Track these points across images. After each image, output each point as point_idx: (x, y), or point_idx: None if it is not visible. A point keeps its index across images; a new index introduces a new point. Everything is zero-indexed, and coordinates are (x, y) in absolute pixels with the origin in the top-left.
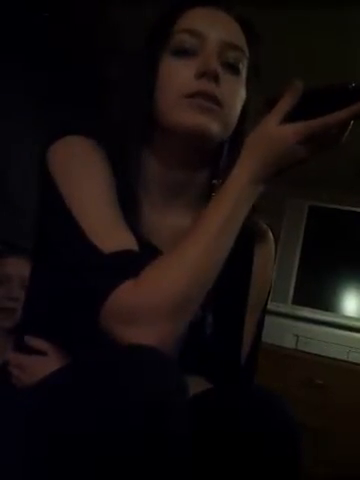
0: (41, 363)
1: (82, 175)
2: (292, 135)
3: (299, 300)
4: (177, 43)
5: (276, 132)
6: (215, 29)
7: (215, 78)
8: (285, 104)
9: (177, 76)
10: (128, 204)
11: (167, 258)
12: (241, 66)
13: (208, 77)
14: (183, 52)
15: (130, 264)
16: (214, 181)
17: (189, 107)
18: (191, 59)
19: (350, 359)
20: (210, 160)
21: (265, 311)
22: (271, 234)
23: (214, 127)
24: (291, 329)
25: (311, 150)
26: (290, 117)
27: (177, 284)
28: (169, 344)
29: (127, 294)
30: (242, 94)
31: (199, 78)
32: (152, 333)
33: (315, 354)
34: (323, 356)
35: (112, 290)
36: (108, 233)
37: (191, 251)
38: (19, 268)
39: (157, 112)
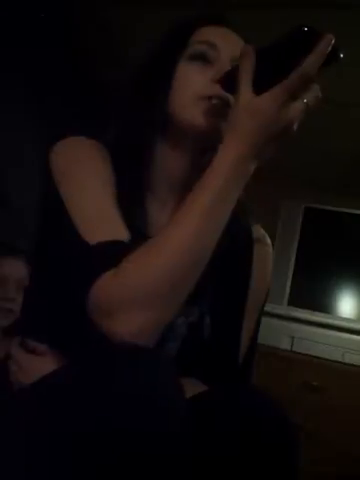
0: (39, 363)
1: (81, 173)
2: (272, 103)
3: (295, 301)
4: (194, 50)
5: (253, 105)
6: (228, 44)
7: (219, 77)
8: (246, 71)
9: (193, 79)
10: (132, 202)
11: (148, 245)
12: None
13: None
14: (200, 58)
15: (112, 254)
16: None
17: (205, 109)
18: (206, 66)
19: (346, 360)
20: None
21: (262, 314)
22: (269, 238)
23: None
24: (287, 330)
25: (297, 109)
26: (258, 83)
27: (157, 272)
28: (148, 335)
29: (105, 285)
30: None
31: (215, 83)
32: (132, 324)
33: (311, 355)
34: (319, 357)
35: (94, 281)
36: (99, 227)
37: (173, 237)
38: (16, 269)
39: (172, 112)
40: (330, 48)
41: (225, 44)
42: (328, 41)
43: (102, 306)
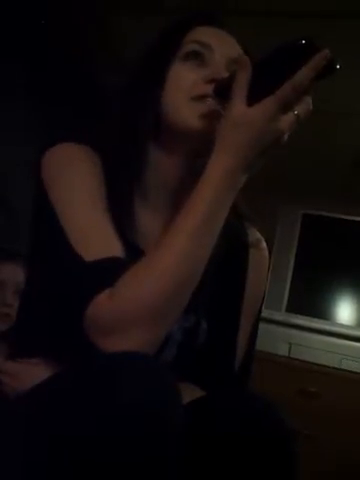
0: (33, 371)
1: (71, 182)
2: (262, 115)
3: (293, 308)
4: (188, 50)
5: (245, 117)
6: (223, 45)
7: (215, 82)
8: (241, 83)
9: (186, 79)
10: (123, 208)
11: (142, 265)
12: None
13: None
14: (193, 58)
15: (108, 273)
16: None
17: (198, 110)
18: (200, 66)
19: (343, 367)
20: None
21: (259, 319)
22: (265, 243)
23: None
24: (284, 337)
25: (287, 121)
26: (252, 94)
27: (151, 293)
28: (145, 351)
29: (102, 305)
30: None
31: (208, 83)
32: (129, 343)
33: (308, 362)
34: (316, 364)
35: (90, 300)
36: (92, 240)
37: (166, 256)
38: (14, 274)
39: (165, 114)
40: (325, 62)
41: (220, 45)
42: (323, 55)
43: (98, 326)
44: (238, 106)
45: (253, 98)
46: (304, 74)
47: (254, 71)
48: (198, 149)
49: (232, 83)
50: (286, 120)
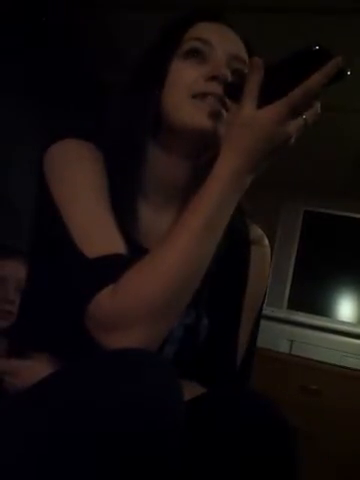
0: (34, 368)
1: (74, 178)
2: (272, 117)
3: (294, 305)
4: (188, 47)
5: (254, 119)
6: (224, 41)
7: (225, 82)
8: (253, 85)
9: (186, 76)
10: (125, 206)
11: (146, 262)
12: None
13: (218, 81)
14: (193, 55)
15: (111, 270)
16: None
17: (198, 108)
18: (200, 63)
19: (344, 364)
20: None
21: (260, 316)
22: (266, 240)
23: (221, 130)
24: (286, 334)
25: (296, 125)
26: (263, 97)
27: (155, 290)
28: (147, 348)
29: (105, 301)
30: None
31: (209, 81)
32: (131, 339)
33: (310, 359)
34: (317, 361)
35: (93, 297)
36: (95, 237)
37: (170, 254)
38: (15, 271)
39: (165, 112)
40: (337, 69)
41: (220, 41)
42: (336, 62)
43: (101, 322)
44: (248, 108)
45: (263, 101)
46: (316, 80)
47: (266, 74)
48: (198, 147)
49: (243, 84)
50: (294, 124)
